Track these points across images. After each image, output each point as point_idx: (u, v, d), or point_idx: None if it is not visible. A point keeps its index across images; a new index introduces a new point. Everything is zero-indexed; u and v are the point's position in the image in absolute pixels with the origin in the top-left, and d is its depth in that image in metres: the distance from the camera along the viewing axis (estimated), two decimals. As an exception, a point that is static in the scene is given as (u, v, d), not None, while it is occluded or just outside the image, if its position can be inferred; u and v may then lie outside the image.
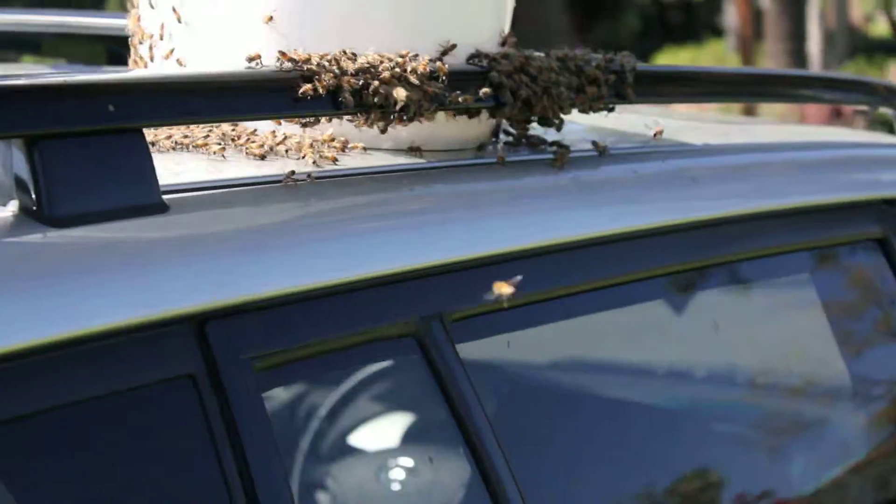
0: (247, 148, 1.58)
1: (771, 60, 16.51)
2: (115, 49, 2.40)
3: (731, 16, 20.21)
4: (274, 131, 1.62)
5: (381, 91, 1.53)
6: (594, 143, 1.83)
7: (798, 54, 16.52)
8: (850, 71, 15.88)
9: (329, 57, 1.51)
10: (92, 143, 1.28)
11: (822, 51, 19.14)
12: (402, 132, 1.64)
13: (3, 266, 1.20)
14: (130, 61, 1.76)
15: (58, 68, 2.58)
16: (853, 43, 20.14)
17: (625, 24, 20.21)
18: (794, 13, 16.54)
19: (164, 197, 1.33)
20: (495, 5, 1.78)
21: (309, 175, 1.49)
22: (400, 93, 1.54)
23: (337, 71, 1.50)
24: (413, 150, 1.68)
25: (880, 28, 23.02)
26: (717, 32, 21.47)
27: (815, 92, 2.29)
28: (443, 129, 1.68)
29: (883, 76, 16.58)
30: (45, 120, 1.26)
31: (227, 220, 1.39)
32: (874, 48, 19.62)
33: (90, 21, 2.44)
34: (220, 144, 1.57)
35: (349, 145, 1.63)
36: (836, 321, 2.15)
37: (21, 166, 1.25)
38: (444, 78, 1.59)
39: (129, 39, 1.75)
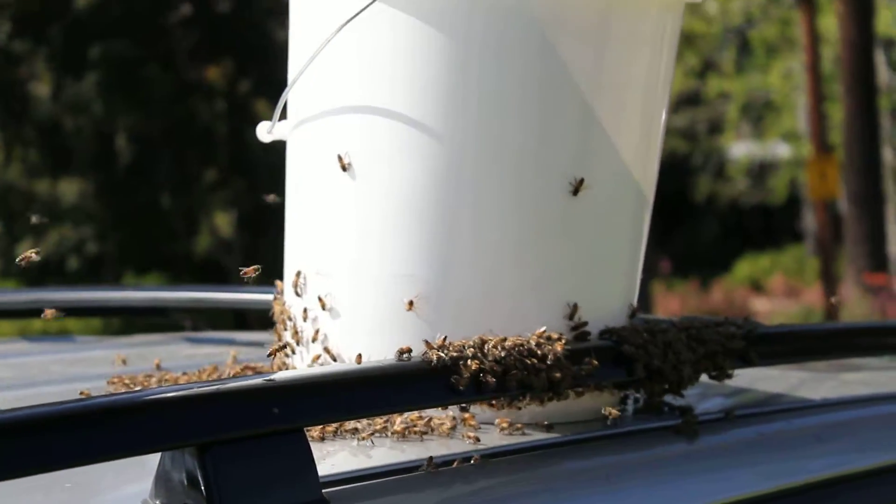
0: (392, 431, 1.63)
1: (851, 264, 16.53)
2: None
3: (810, 220, 20.29)
4: (418, 414, 1.68)
5: (526, 375, 1.59)
6: (726, 412, 1.87)
7: (877, 255, 16.55)
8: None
9: (471, 343, 1.58)
10: (258, 444, 1.34)
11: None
12: (537, 407, 1.70)
13: None
14: (274, 345, 1.83)
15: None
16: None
17: (704, 231, 20.34)
18: (872, 215, 16.61)
19: (324, 491, 1.38)
20: (626, 282, 1.85)
21: (470, 458, 1.55)
22: (541, 378, 1.60)
23: (481, 357, 1.56)
24: (550, 425, 1.73)
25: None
26: (797, 237, 21.55)
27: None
28: (575, 402, 1.73)
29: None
30: (217, 427, 1.32)
31: None
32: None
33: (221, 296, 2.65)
34: (367, 430, 1.62)
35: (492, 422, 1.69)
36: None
37: (192, 471, 1.31)
38: (586, 359, 1.65)
39: (275, 326, 1.83)
